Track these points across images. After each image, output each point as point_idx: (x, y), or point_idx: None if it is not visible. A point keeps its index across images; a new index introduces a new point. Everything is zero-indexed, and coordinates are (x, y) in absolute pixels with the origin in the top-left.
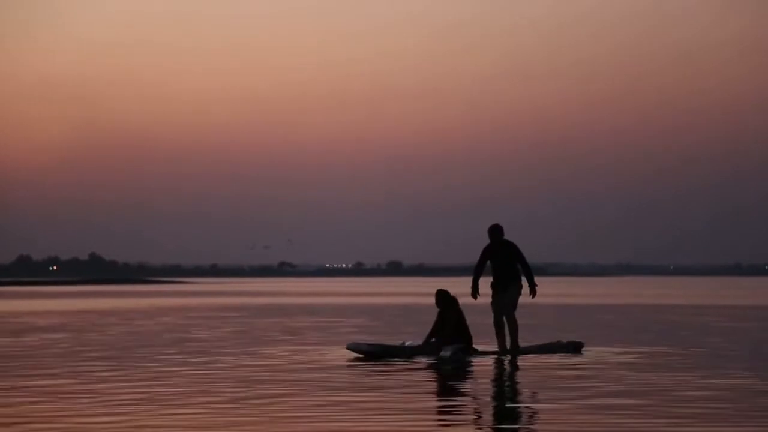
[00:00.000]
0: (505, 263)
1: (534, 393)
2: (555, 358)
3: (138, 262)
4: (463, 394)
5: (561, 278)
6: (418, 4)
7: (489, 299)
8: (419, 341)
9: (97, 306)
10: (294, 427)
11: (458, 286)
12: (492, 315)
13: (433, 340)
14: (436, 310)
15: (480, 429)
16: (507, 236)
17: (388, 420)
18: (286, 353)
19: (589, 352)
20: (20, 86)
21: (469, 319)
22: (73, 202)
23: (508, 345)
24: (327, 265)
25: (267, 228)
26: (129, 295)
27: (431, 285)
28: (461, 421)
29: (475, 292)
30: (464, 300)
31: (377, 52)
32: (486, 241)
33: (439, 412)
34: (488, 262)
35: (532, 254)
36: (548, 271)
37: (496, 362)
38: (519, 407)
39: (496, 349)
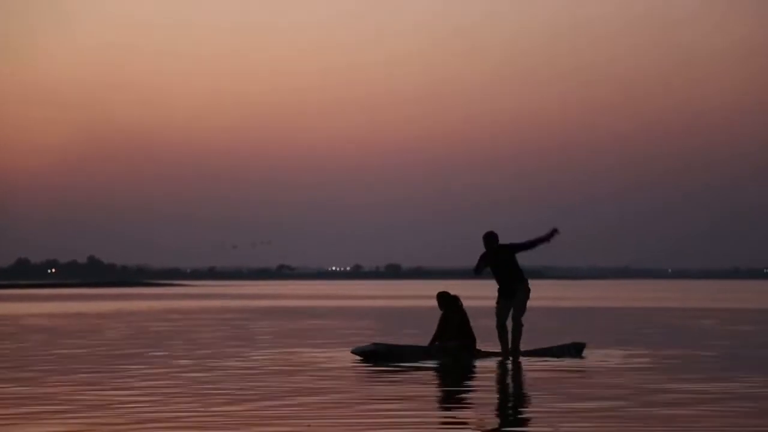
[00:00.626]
0: (506, 268)
1: (541, 396)
2: (558, 361)
3: (136, 265)
4: (467, 398)
5: (559, 281)
6: (419, 11)
7: (494, 301)
8: (421, 341)
9: (94, 309)
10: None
11: (457, 289)
12: (495, 319)
13: (437, 343)
14: (436, 313)
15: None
16: (504, 241)
17: (389, 425)
18: (286, 355)
19: (592, 355)
20: (19, 89)
21: (472, 321)
22: (72, 205)
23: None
24: (326, 268)
25: (266, 231)
26: (127, 297)
27: (430, 288)
28: (466, 424)
29: (478, 270)
30: (467, 302)
31: (377, 58)
32: (482, 249)
33: (445, 416)
34: (488, 268)
35: (529, 258)
36: (546, 274)
37: (499, 364)
38: (526, 411)
39: (499, 351)
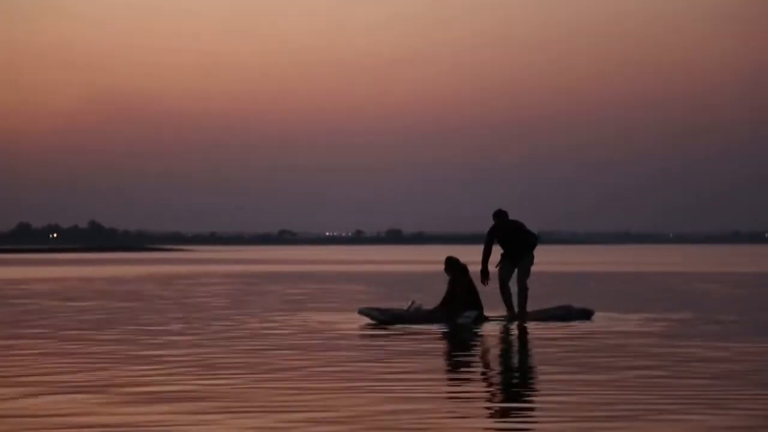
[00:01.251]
0: (515, 237)
1: (552, 362)
2: (567, 326)
3: (138, 230)
4: (478, 364)
5: (559, 246)
6: None
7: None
8: (425, 304)
9: (93, 273)
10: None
11: (459, 254)
12: (498, 281)
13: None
14: (440, 277)
15: (500, 402)
16: (506, 208)
17: (399, 389)
18: (296, 320)
19: (600, 320)
20: (20, 54)
21: (478, 287)
22: (73, 170)
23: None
24: (327, 233)
25: (268, 195)
26: (127, 262)
27: (432, 253)
28: (478, 394)
29: (485, 277)
30: (470, 267)
31: (377, 22)
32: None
33: (454, 384)
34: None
35: (529, 223)
36: (544, 239)
37: (506, 329)
38: (536, 377)
39: (505, 314)
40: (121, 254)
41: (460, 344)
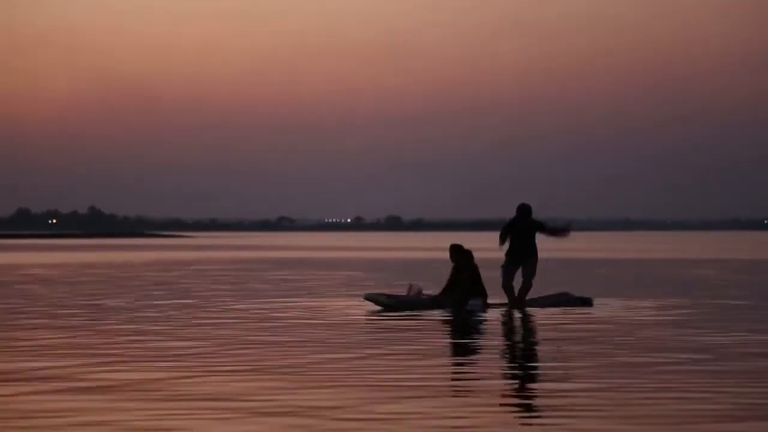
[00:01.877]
0: (524, 240)
1: (558, 349)
2: (570, 313)
3: (137, 216)
4: (487, 350)
5: None
6: None
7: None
8: (425, 288)
9: (91, 259)
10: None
11: (459, 241)
12: (501, 279)
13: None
14: (441, 264)
15: (512, 387)
16: (504, 195)
17: (406, 375)
18: (303, 305)
19: (604, 307)
20: (20, 38)
21: (482, 274)
22: (73, 156)
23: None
24: (326, 220)
25: (267, 181)
26: (126, 248)
27: (431, 240)
28: (492, 379)
29: (503, 242)
30: (478, 254)
31: (380, 12)
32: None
33: (463, 371)
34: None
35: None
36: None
37: (507, 315)
38: (540, 362)
39: (506, 302)
40: (121, 240)
41: (472, 331)
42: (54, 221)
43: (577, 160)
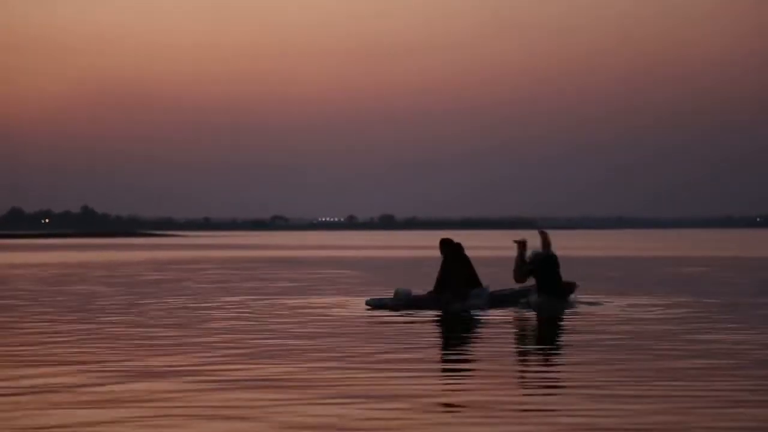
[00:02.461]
0: (553, 279)
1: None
2: (575, 311)
3: (130, 215)
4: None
5: (554, 231)
6: None
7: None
8: (416, 288)
9: (84, 259)
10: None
11: (454, 239)
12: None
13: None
14: (436, 262)
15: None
16: (498, 194)
17: (407, 373)
18: (305, 305)
19: (608, 306)
20: (13, 37)
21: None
22: (66, 155)
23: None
24: (319, 219)
25: (260, 181)
26: (119, 248)
27: (424, 239)
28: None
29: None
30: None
31: (375, 11)
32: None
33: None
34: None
35: (525, 208)
36: (540, 224)
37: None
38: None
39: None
40: (114, 240)
41: (488, 328)
42: (47, 221)
43: (571, 159)
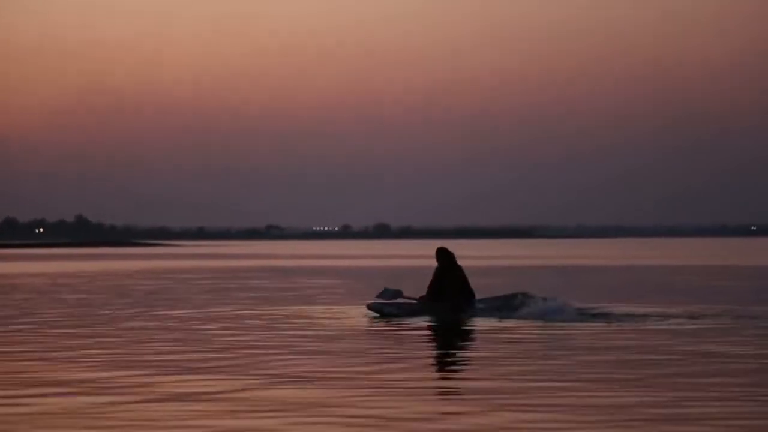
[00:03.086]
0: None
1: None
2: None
3: (124, 225)
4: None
5: (548, 240)
6: None
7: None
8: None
9: (77, 268)
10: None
11: (449, 248)
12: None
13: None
14: (431, 271)
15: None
16: (494, 203)
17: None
18: (306, 314)
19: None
20: (6, 47)
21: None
22: (60, 164)
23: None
24: (314, 228)
25: (254, 189)
26: (114, 257)
27: (420, 248)
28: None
29: None
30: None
31: (368, 19)
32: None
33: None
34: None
35: (519, 216)
36: (534, 233)
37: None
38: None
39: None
40: (108, 249)
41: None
42: (41, 230)
43: (566, 168)
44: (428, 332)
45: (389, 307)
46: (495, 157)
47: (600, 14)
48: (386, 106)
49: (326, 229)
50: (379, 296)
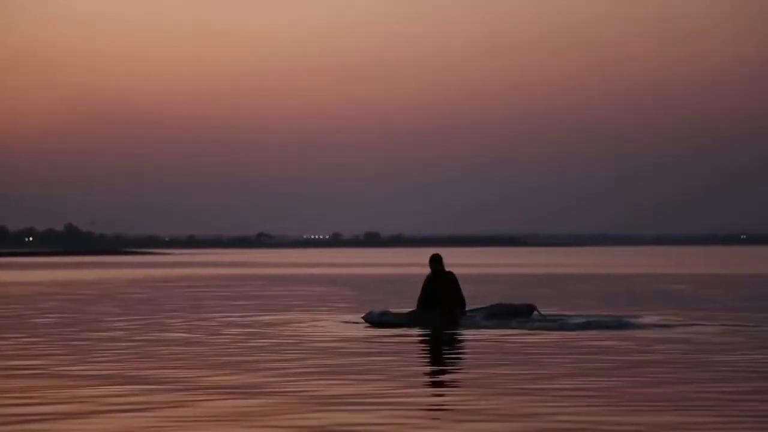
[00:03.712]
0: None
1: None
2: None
3: (114, 233)
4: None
5: (539, 248)
6: None
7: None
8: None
9: (63, 277)
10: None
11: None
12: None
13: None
14: (420, 280)
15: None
16: (484, 212)
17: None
18: (301, 323)
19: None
20: None
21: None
22: (50, 173)
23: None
24: (305, 236)
25: (244, 197)
26: (102, 266)
27: (410, 256)
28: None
29: None
30: (462, 270)
31: (362, 30)
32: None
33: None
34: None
35: (509, 225)
36: (526, 241)
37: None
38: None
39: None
40: (98, 258)
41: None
42: (30, 239)
43: (557, 177)
44: (424, 344)
45: (387, 317)
46: (486, 166)
47: (595, 25)
48: (376, 115)
49: (317, 237)
50: (365, 319)
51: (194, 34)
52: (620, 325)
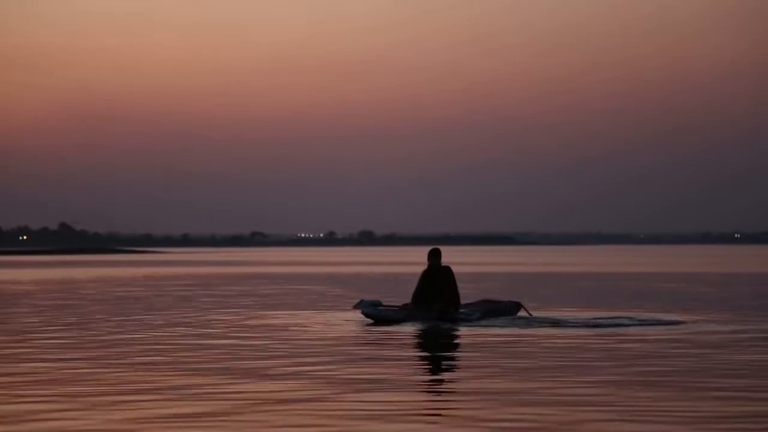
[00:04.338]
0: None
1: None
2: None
3: (108, 232)
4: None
5: (532, 247)
6: None
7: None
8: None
9: (59, 275)
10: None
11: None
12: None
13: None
14: (414, 278)
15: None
16: (477, 211)
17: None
18: (294, 320)
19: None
20: None
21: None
22: (43, 171)
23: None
24: (299, 235)
25: (238, 197)
26: (96, 264)
27: (404, 254)
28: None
29: None
30: (460, 269)
31: (355, 28)
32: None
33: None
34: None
35: (503, 224)
36: (518, 240)
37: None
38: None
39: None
40: (92, 256)
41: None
42: (24, 238)
43: (551, 177)
44: (421, 338)
45: (385, 312)
46: (480, 166)
47: (590, 26)
48: (370, 114)
49: (311, 235)
50: (356, 307)
51: (187, 31)
52: (615, 323)
